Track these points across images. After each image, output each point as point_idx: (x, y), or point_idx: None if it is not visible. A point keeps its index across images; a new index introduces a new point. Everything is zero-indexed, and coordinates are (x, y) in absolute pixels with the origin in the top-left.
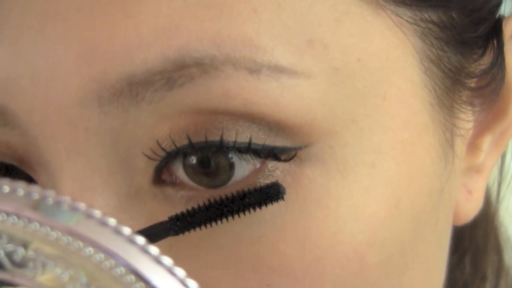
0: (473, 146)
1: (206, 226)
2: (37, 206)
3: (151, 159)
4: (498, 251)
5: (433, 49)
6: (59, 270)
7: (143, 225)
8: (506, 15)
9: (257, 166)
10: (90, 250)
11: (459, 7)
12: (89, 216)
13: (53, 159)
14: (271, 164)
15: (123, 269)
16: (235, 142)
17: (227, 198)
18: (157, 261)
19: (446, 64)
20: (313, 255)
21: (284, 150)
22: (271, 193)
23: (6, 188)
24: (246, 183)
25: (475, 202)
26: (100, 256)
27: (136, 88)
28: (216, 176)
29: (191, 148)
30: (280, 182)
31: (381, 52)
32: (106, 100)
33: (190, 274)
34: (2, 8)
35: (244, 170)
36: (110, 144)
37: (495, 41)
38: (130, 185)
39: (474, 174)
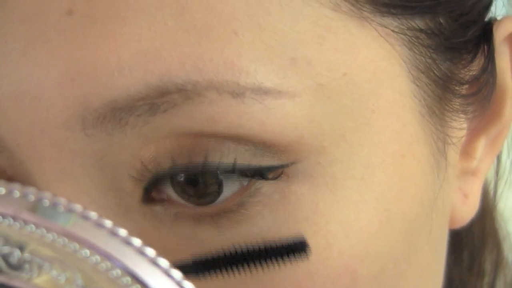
0: (467, 150)
1: (226, 273)
2: (33, 208)
3: (139, 180)
4: (497, 246)
5: (422, 58)
6: (55, 272)
7: None
8: (497, 18)
9: (245, 184)
10: (86, 252)
11: (447, 11)
12: (85, 217)
13: (41, 181)
14: (258, 182)
15: (119, 271)
16: (219, 163)
17: (252, 250)
18: (154, 263)
19: (435, 72)
20: (304, 272)
21: (270, 168)
22: (296, 249)
23: (2, 190)
24: (235, 199)
25: (471, 205)
26: (96, 258)
27: (119, 113)
28: (205, 194)
29: (177, 170)
30: (267, 199)
31: (367, 65)
32: (90, 123)
33: None
34: None
35: (233, 186)
36: (96, 166)
37: (485, 46)
38: (119, 205)
39: (470, 178)
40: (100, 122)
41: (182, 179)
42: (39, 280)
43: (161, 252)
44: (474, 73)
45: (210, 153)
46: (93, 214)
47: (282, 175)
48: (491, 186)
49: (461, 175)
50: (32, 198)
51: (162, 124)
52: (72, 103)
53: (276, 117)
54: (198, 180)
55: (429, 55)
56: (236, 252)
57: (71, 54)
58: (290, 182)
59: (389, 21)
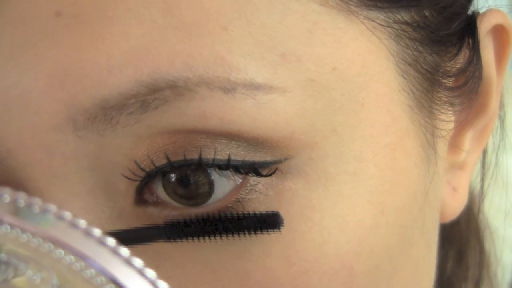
0: (455, 144)
1: (198, 239)
2: (8, 208)
3: (131, 179)
4: (479, 241)
5: (408, 51)
6: (30, 272)
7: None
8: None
9: (238, 182)
10: (61, 252)
11: (431, 4)
12: (60, 218)
13: (32, 186)
14: (253, 179)
15: (93, 271)
16: (214, 159)
17: (225, 216)
18: (128, 262)
19: (422, 64)
20: (299, 268)
21: (264, 164)
22: (269, 222)
23: None
24: (227, 200)
25: (460, 198)
26: (71, 258)
27: (110, 112)
28: (196, 194)
29: (170, 167)
30: (263, 196)
31: (356, 59)
32: (81, 124)
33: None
34: None
35: (225, 187)
36: (88, 168)
37: (470, 39)
38: (113, 208)
39: (458, 171)
40: (91, 122)
41: (173, 179)
42: (15, 280)
43: (153, 261)
44: (460, 66)
45: (203, 150)
46: (68, 214)
47: (277, 171)
48: (477, 180)
49: (450, 168)
50: (7, 198)
51: (154, 122)
52: (62, 105)
53: (268, 113)
54: (189, 180)
55: (415, 48)
56: (208, 216)
57: (59, 56)
58: (284, 178)
59: (375, 14)
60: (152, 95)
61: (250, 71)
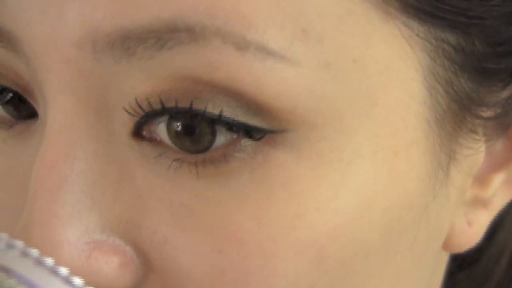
0: (482, 178)
1: None
2: None
3: (130, 114)
4: None
5: (443, 69)
6: None
7: (116, 172)
8: None
9: (234, 137)
10: (10, 282)
11: (482, 36)
12: (11, 247)
13: (48, 92)
14: (244, 139)
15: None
16: (204, 111)
17: None
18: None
19: (455, 87)
20: (268, 232)
21: (258, 130)
22: None
23: None
24: (219, 151)
25: (473, 235)
26: None
27: (128, 42)
28: (198, 142)
29: (163, 111)
30: (250, 158)
31: (381, 59)
32: (100, 47)
33: (147, 226)
34: None
35: (220, 142)
36: (100, 89)
37: None
38: (111, 132)
39: (479, 207)
40: (110, 47)
41: (179, 127)
42: None
43: (136, 190)
44: (498, 100)
45: (201, 102)
46: (19, 243)
47: (270, 139)
48: None
49: (471, 201)
50: None
51: (167, 61)
52: (87, 24)
53: (274, 80)
54: (194, 128)
55: (453, 70)
56: None
57: None
58: (276, 148)
59: (415, 24)
60: (169, 34)
61: (267, 35)
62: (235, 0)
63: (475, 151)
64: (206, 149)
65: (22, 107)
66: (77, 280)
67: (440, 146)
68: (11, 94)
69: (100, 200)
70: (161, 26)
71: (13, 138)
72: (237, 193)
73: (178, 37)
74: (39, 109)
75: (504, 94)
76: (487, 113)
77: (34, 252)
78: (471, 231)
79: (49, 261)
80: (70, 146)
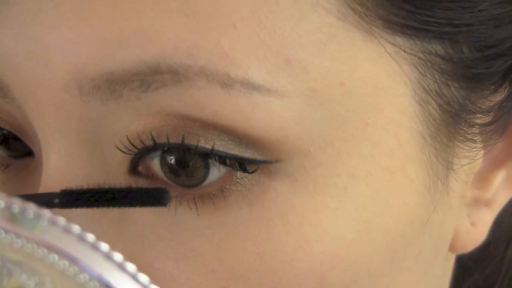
0: (483, 179)
1: (90, 207)
2: (2, 214)
3: (124, 152)
4: None
5: (433, 81)
6: (24, 276)
7: (117, 211)
8: None
9: (228, 170)
10: (54, 257)
11: (470, 41)
12: (54, 223)
13: (41, 136)
14: (240, 172)
15: (87, 276)
16: (197, 146)
17: (114, 188)
18: (121, 267)
19: (447, 98)
20: (270, 267)
21: (252, 162)
22: (155, 196)
23: None
24: (217, 185)
25: (477, 234)
26: (65, 262)
27: (113, 85)
28: (192, 176)
29: (155, 147)
30: (247, 190)
31: (368, 79)
32: (86, 90)
33: (149, 263)
34: None
35: (217, 174)
36: (90, 131)
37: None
38: (108, 172)
39: (482, 207)
40: (96, 90)
41: (172, 161)
42: (9, 285)
43: (137, 229)
44: (493, 104)
45: (193, 136)
46: (61, 220)
47: (265, 170)
48: None
49: (473, 202)
50: (1, 204)
51: (153, 101)
52: (72, 69)
53: (262, 114)
54: (187, 162)
55: (443, 80)
56: (99, 186)
57: (78, 21)
58: (272, 178)
59: (400, 40)
60: (152, 77)
61: (250, 70)
62: (216, 38)
63: (472, 160)
64: (200, 182)
65: (17, 146)
66: (118, 255)
67: (437, 158)
68: (5, 132)
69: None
70: (144, 68)
71: (11, 179)
72: (237, 232)
73: (162, 79)
74: (34, 148)
75: (497, 97)
76: (482, 119)
77: (62, 220)
78: (475, 231)
79: (91, 236)
80: (67, 187)
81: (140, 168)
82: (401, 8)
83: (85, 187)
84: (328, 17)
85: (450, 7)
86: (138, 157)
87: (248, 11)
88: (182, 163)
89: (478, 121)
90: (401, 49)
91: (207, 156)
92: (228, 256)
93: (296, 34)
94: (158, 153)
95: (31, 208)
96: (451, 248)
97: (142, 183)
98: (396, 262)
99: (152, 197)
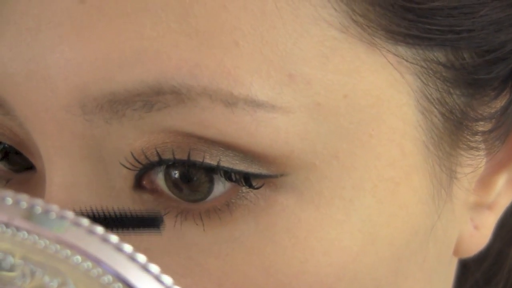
0: (485, 183)
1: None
2: (25, 215)
3: (128, 168)
4: None
5: (435, 90)
6: (47, 278)
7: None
8: None
9: (233, 184)
10: (78, 258)
11: (471, 47)
12: (77, 224)
13: (43, 154)
14: (245, 186)
15: (110, 277)
16: (202, 162)
17: (108, 213)
18: (145, 268)
19: (449, 105)
20: (277, 281)
21: (257, 176)
22: (149, 222)
23: None
24: (223, 200)
25: (481, 237)
26: (88, 264)
27: (116, 105)
28: (196, 191)
29: (160, 163)
30: (253, 205)
31: (372, 90)
32: (89, 110)
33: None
34: (5, 7)
35: (222, 188)
36: (94, 149)
37: None
38: (112, 188)
39: (485, 210)
40: (99, 110)
41: (176, 175)
42: (32, 286)
43: (143, 243)
44: (493, 111)
45: (199, 152)
46: (85, 221)
47: (271, 184)
48: None
49: (476, 206)
50: (24, 205)
51: (157, 121)
52: (74, 89)
53: (267, 130)
54: (191, 177)
55: (445, 88)
56: (92, 210)
57: (78, 42)
58: (277, 192)
59: (402, 50)
60: (155, 97)
61: (254, 88)
62: (218, 56)
63: (475, 168)
64: (205, 197)
65: (18, 159)
66: (141, 256)
67: (440, 167)
68: (6, 145)
69: None
70: (147, 89)
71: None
72: (243, 246)
73: (165, 99)
74: (36, 163)
75: (498, 104)
76: (485, 126)
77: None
78: (479, 234)
79: (114, 237)
80: (71, 204)
81: (144, 182)
82: (403, 17)
83: (81, 211)
84: (330, 30)
85: (452, 14)
86: (143, 172)
87: (250, 27)
88: (186, 178)
89: (481, 128)
90: (403, 58)
91: (211, 171)
92: (234, 271)
93: (298, 49)
94: (163, 167)
95: (54, 209)
96: (455, 252)
97: (146, 197)
98: (401, 270)
99: (144, 222)
